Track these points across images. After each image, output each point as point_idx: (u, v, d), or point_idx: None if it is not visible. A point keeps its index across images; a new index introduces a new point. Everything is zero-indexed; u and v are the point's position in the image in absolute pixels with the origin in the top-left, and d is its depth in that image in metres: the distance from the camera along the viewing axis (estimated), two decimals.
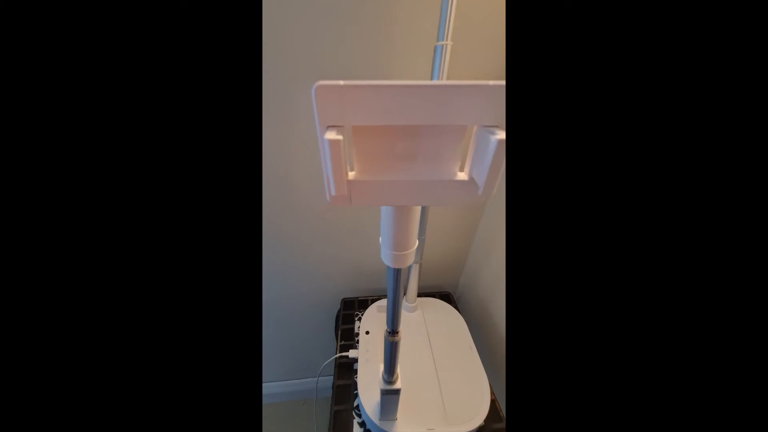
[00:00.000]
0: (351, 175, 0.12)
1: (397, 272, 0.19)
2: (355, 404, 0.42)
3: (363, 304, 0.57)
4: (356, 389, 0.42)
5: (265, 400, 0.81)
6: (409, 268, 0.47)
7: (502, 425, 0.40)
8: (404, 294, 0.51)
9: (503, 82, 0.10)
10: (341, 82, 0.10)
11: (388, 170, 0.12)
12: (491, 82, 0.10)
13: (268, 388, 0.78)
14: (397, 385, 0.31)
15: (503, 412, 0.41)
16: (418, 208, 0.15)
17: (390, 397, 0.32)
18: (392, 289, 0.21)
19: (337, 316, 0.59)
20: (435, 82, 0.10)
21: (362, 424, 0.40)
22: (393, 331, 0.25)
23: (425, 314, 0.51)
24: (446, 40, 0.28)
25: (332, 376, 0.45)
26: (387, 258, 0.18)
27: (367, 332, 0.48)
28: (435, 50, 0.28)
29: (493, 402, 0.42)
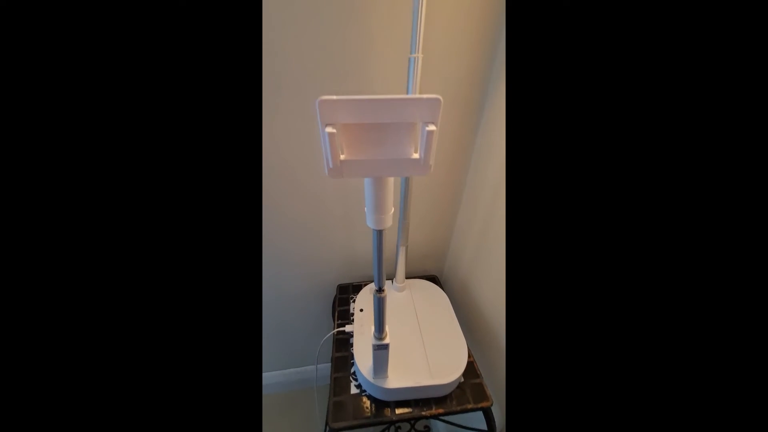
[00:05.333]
0: (342, 156, 0.19)
1: (380, 233, 0.26)
2: (351, 371, 0.49)
3: (357, 288, 0.63)
4: (353, 359, 0.48)
5: (263, 391, 0.84)
6: (397, 251, 0.54)
7: (479, 381, 0.47)
8: (394, 276, 0.58)
9: (436, 96, 0.17)
10: (335, 97, 0.16)
11: (366, 152, 0.19)
12: (425, 96, 0.17)
13: (265, 378, 0.82)
14: (386, 341, 0.37)
15: (480, 371, 0.49)
16: (391, 181, 0.22)
17: (381, 352, 0.38)
18: (376, 249, 0.27)
19: (334, 301, 0.65)
20: (393, 96, 0.17)
21: (359, 386, 0.46)
22: (380, 288, 0.32)
23: (413, 293, 0.58)
24: (418, 53, 0.35)
25: (330, 364, 0.51)
26: (371, 221, 0.24)
27: (361, 310, 0.55)
28: (409, 61, 0.35)
29: (472, 363, 0.49)
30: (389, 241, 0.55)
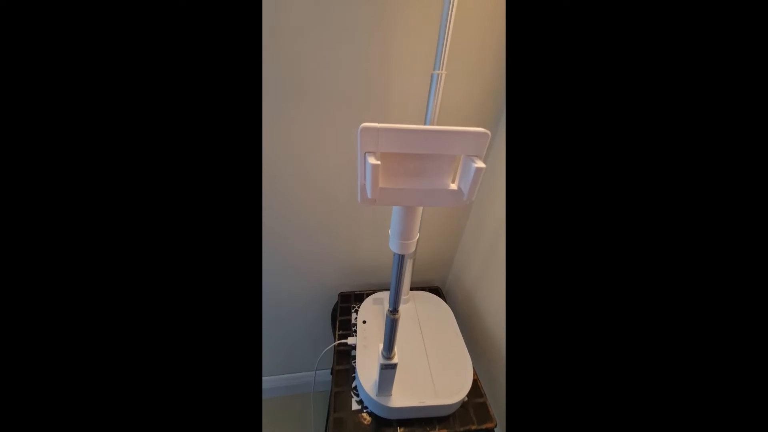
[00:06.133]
0: (379, 183, 0.18)
1: (402, 258, 0.25)
2: (353, 385, 0.47)
3: (359, 297, 0.62)
4: (354, 372, 0.47)
5: (263, 395, 0.83)
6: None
7: (483, 400, 0.47)
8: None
9: (485, 130, 0.16)
10: (378, 125, 0.15)
11: (404, 181, 0.18)
12: (474, 129, 0.16)
13: (264, 382, 0.81)
14: (395, 360, 0.36)
15: (484, 389, 0.48)
16: (421, 208, 0.21)
17: (388, 371, 0.38)
18: (396, 272, 0.27)
19: (335, 309, 0.63)
20: (436, 127, 0.16)
21: (360, 402, 0.45)
22: (394, 309, 0.31)
23: (417, 305, 0.58)
24: (441, 70, 0.34)
25: (329, 370, 0.50)
26: (395, 246, 0.24)
27: (364, 321, 0.54)
28: (432, 78, 0.34)
29: (476, 381, 0.48)
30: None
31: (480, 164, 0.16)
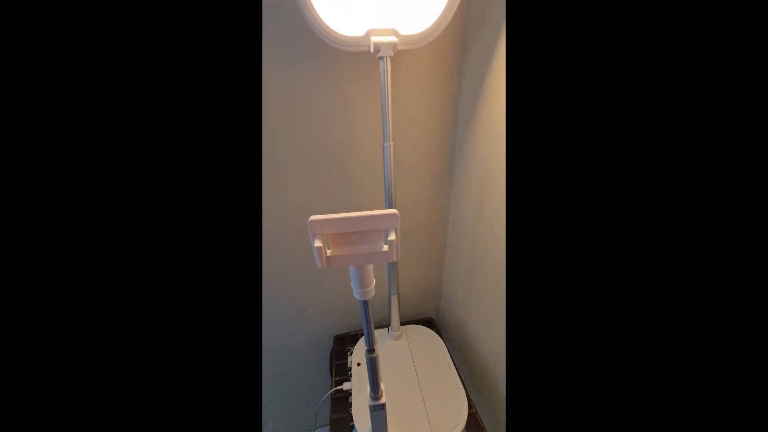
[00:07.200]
0: (328, 252, 0.25)
1: (366, 303, 0.31)
2: None
3: (354, 339, 0.64)
4: (352, 421, 0.48)
5: None
6: (389, 299, 0.57)
7: (476, 428, 0.47)
8: (389, 324, 0.60)
9: (395, 211, 0.24)
10: (322, 217, 0.23)
11: (347, 249, 0.25)
12: (387, 211, 0.24)
13: None
14: (383, 400, 0.39)
15: (483, 423, 0.49)
16: (371, 265, 0.28)
17: (378, 412, 0.40)
18: (364, 316, 0.32)
19: (331, 354, 0.65)
20: (363, 213, 0.23)
21: None
22: (370, 348, 0.35)
23: (409, 340, 0.60)
24: (389, 142, 0.44)
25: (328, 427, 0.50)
26: (357, 294, 0.29)
27: (359, 364, 0.55)
28: (383, 149, 0.44)
29: (474, 414, 0.49)
30: (382, 290, 0.59)
31: (392, 236, 0.23)
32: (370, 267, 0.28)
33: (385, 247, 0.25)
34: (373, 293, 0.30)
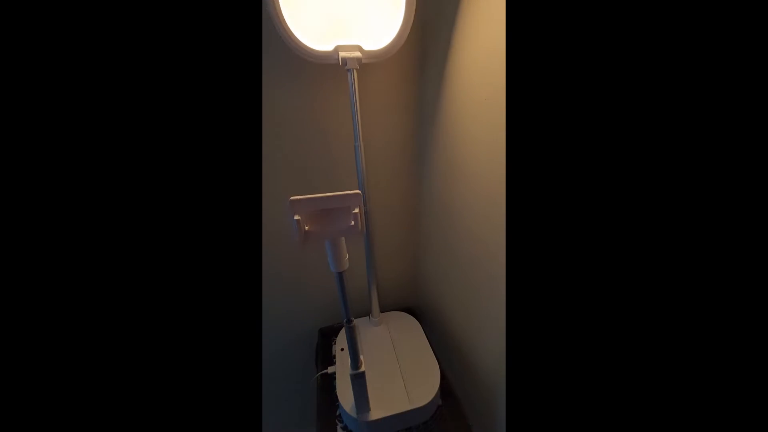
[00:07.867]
0: (306, 227, 0.30)
1: (341, 274, 0.36)
2: (337, 413, 0.51)
3: (338, 331, 0.68)
4: (338, 401, 0.51)
5: None
6: (369, 288, 0.62)
7: (457, 402, 0.52)
8: (371, 312, 0.65)
9: (358, 191, 0.30)
10: (300, 197, 0.28)
11: (321, 225, 0.30)
12: (351, 192, 0.29)
13: None
14: (362, 369, 0.43)
15: (456, 392, 0.54)
16: (342, 239, 0.33)
17: (359, 381, 0.44)
18: (340, 288, 0.37)
19: (317, 347, 0.68)
20: (333, 194, 0.29)
21: (344, 428, 0.49)
22: (348, 320, 0.40)
23: (389, 325, 0.65)
24: (360, 141, 0.50)
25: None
26: (333, 266, 0.35)
27: (342, 349, 0.59)
28: (354, 149, 0.50)
29: (448, 385, 0.54)
30: (362, 280, 0.63)
31: (356, 210, 0.29)
32: (342, 241, 0.33)
33: (352, 222, 0.30)
34: (347, 265, 0.35)
